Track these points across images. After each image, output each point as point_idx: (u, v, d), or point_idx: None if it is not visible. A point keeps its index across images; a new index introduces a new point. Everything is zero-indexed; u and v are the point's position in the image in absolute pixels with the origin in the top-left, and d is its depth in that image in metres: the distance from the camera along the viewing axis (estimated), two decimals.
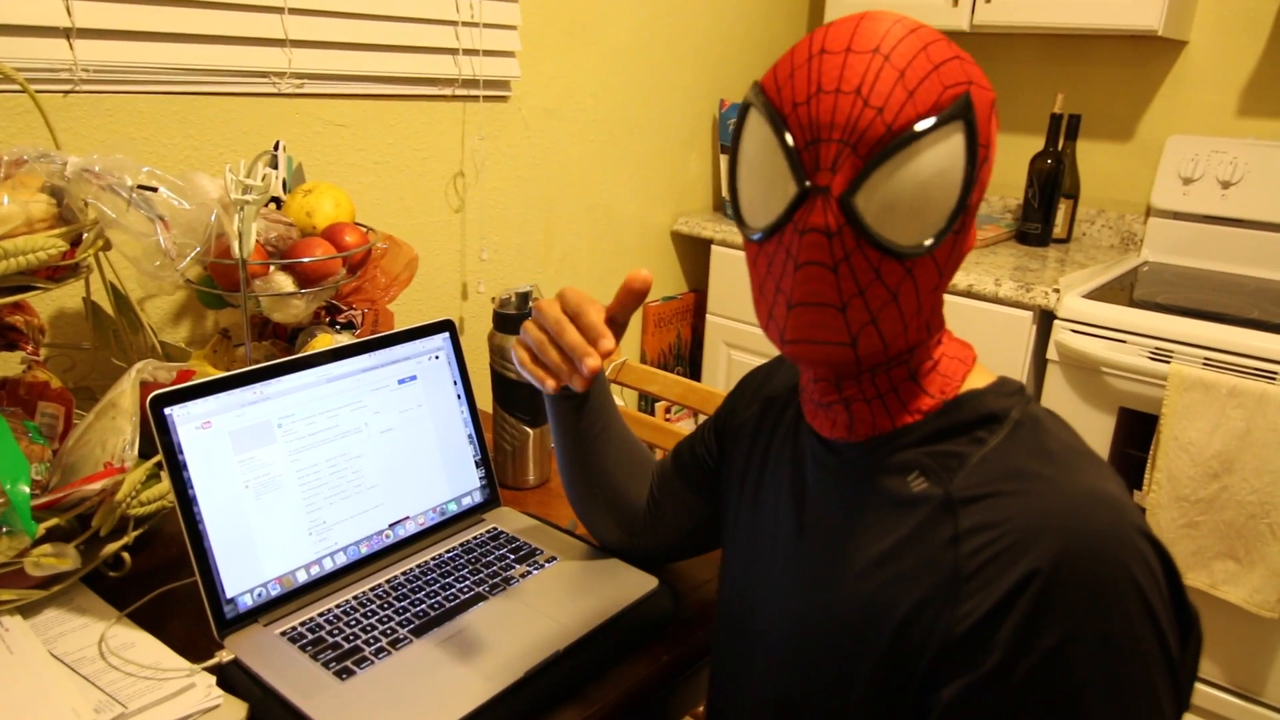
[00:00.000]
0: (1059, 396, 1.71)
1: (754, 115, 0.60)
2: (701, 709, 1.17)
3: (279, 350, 1.21)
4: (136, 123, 1.26)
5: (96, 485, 0.83)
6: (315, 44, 1.41)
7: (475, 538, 0.97)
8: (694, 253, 2.35)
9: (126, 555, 0.89)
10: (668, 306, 2.29)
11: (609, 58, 1.96)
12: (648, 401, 2.25)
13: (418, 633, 0.81)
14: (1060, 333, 1.67)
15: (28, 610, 0.83)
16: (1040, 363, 1.77)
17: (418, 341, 0.99)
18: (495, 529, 0.99)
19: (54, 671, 0.75)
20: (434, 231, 1.71)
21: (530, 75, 1.79)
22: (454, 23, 1.58)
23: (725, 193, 2.28)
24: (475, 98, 1.69)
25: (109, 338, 1.12)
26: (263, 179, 1.04)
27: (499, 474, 1.15)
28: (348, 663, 0.77)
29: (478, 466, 1.03)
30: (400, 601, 0.86)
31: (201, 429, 0.81)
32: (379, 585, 0.88)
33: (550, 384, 0.73)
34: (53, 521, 0.82)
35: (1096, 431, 1.67)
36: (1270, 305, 1.70)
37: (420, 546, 0.95)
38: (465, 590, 0.88)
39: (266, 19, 1.33)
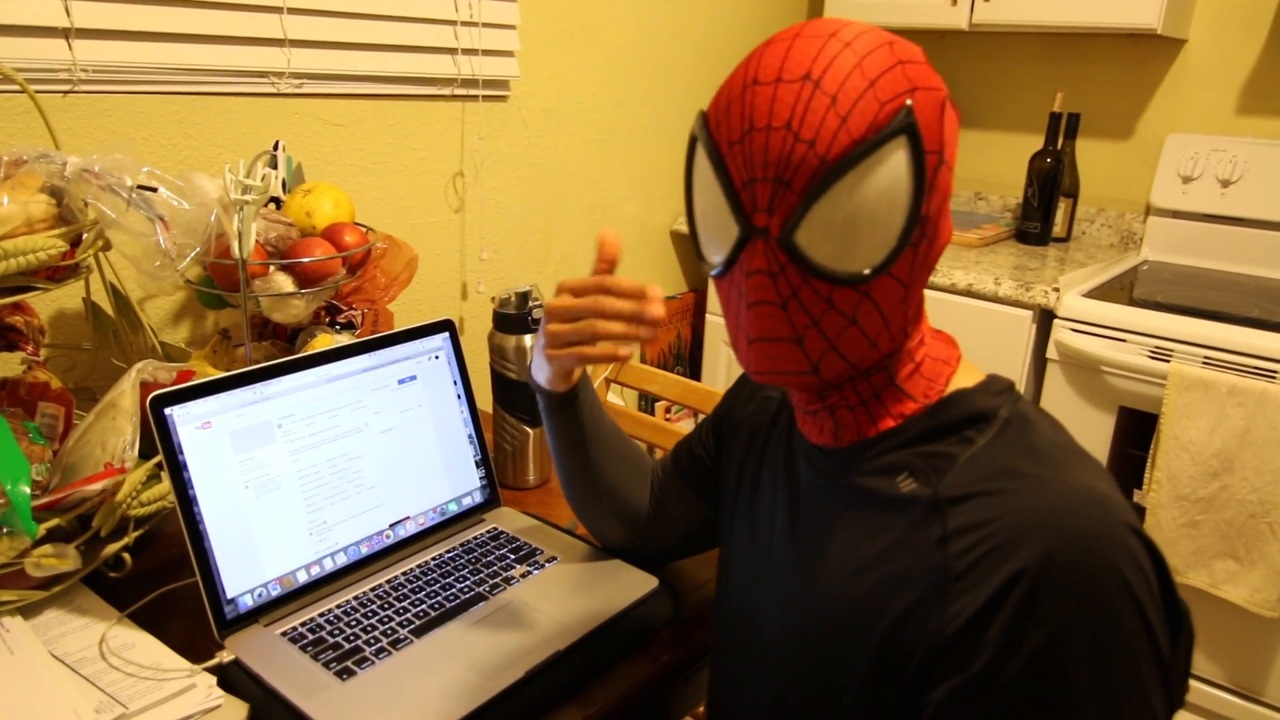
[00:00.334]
0: (1059, 396, 1.71)
1: (699, 150, 0.59)
2: (702, 709, 1.18)
3: (279, 350, 1.21)
4: (136, 123, 1.26)
5: (97, 486, 0.83)
6: (314, 44, 1.41)
7: (475, 538, 0.97)
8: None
9: (127, 556, 0.89)
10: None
11: (608, 57, 1.96)
12: (648, 401, 2.25)
13: (418, 633, 0.81)
14: (1060, 332, 1.67)
15: (28, 611, 0.83)
16: (1040, 362, 1.77)
17: (418, 341, 0.99)
18: (495, 529, 0.99)
19: (55, 672, 0.75)
20: (433, 231, 1.71)
21: (529, 75, 1.79)
22: (453, 22, 1.57)
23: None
24: (474, 97, 1.69)
25: (109, 338, 1.12)
26: (262, 179, 1.04)
27: (499, 474, 1.15)
28: (348, 663, 0.77)
29: (478, 466, 1.03)
30: (401, 602, 0.86)
31: (202, 429, 0.81)
32: (379, 585, 0.88)
33: (624, 351, 0.73)
34: (53, 522, 0.82)
35: (1096, 431, 1.67)
36: (1270, 304, 1.70)
37: (420, 546, 0.95)
38: (465, 590, 0.88)
39: (265, 19, 1.33)
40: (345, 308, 1.21)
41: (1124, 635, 0.52)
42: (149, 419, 0.79)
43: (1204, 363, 1.53)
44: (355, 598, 0.86)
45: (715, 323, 2.23)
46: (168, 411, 0.80)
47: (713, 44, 2.23)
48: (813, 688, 0.64)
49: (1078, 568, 0.52)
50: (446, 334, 1.01)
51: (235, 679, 0.76)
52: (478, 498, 1.02)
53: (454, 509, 1.00)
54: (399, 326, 1.02)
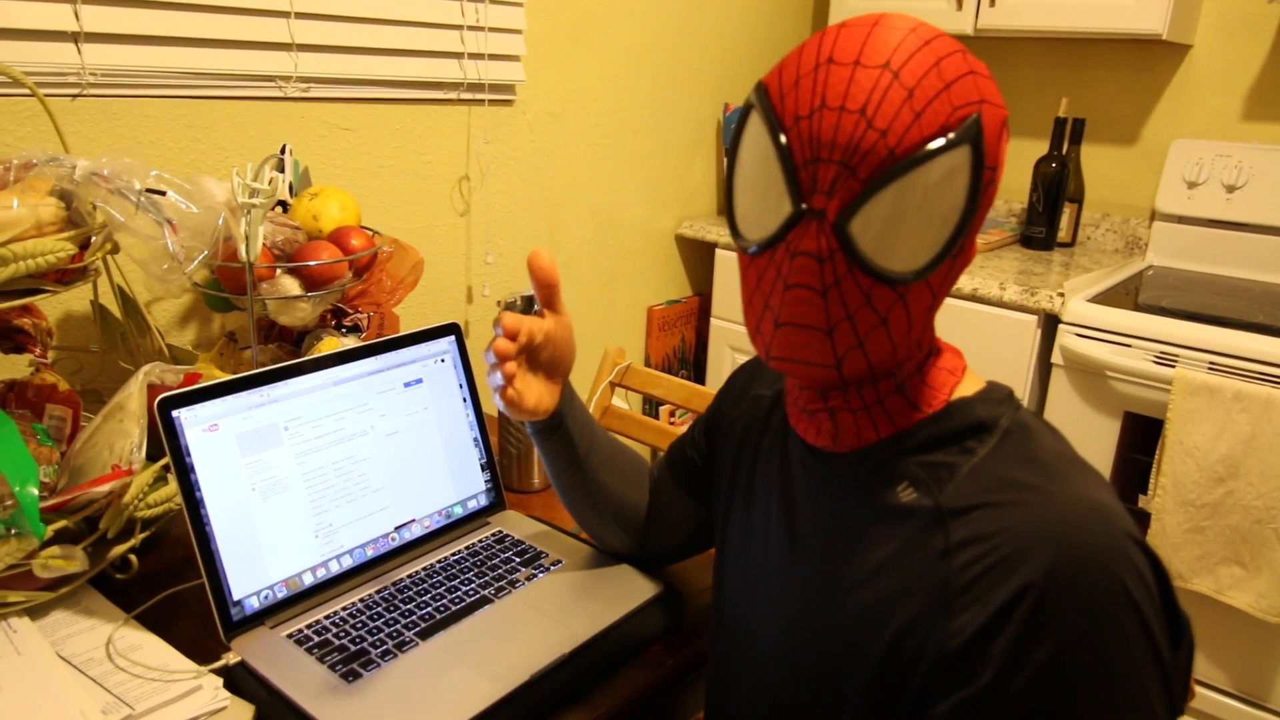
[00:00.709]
0: (1064, 401, 1.70)
1: (755, 121, 0.58)
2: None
3: (285, 353, 1.21)
4: (144, 126, 1.26)
5: (104, 487, 0.83)
6: (321, 48, 1.41)
7: (481, 541, 0.98)
8: (698, 257, 2.36)
9: (134, 557, 0.89)
10: (672, 310, 2.30)
11: (613, 62, 1.96)
12: (652, 405, 2.25)
13: (424, 635, 0.81)
14: (1065, 337, 1.67)
15: (36, 612, 0.84)
16: (1045, 367, 1.77)
17: (424, 345, 0.99)
18: (501, 532, 1.00)
19: (61, 673, 0.75)
20: (439, 235, 1.71)
21: (535, 79, 1.79)
22: (459, 27, 1.58)
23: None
24: (480, 102, 1.70)
25: (116, 340, 1.13)
26: (269, 182, 1.04)
27: (504, 477, 1.15)
28: (354, 665, 0.77)
29: (483, 470, 1.03)
30: (406, 604, 0.86)
31: (209, 431, 0.82)
32: (385, 588, 0.89)
33: (503, 402, 0.78)
34: (61, 523, 0.82)
35: (1101, 436, 1.67)
36: (1275, 309, 1.70)
37: (426, 549, 0.96)
38: (471, 593, 0.88)
39: (273, 23, 1.34)
40: (351, 310, 1.21)
41: (1128, 648, 0.52)
42: (156, 421, 0.79)
43: (1209, 368, 1.53)
44: (361, 600, 0.87)
45: (719, 326, 2.23)
46: (175, 414, 0.80)
47: (717, 48, 2.23)
48: (811, 696, 0.64)
49: (1082, 582, 0.52)
50: (452, 337, 1.01)
51: (241, 681, 0.76)
52: (483, 501, 1.03)
53: (459, 512, 1.00)
54: (405, 329, 1.03)
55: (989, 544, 0.55)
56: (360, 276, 1.20)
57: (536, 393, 0.80)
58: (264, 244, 1.10)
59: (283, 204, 1.22)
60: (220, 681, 0.76)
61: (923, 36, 0.54)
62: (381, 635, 0.81)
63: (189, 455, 0.80)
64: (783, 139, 0.55)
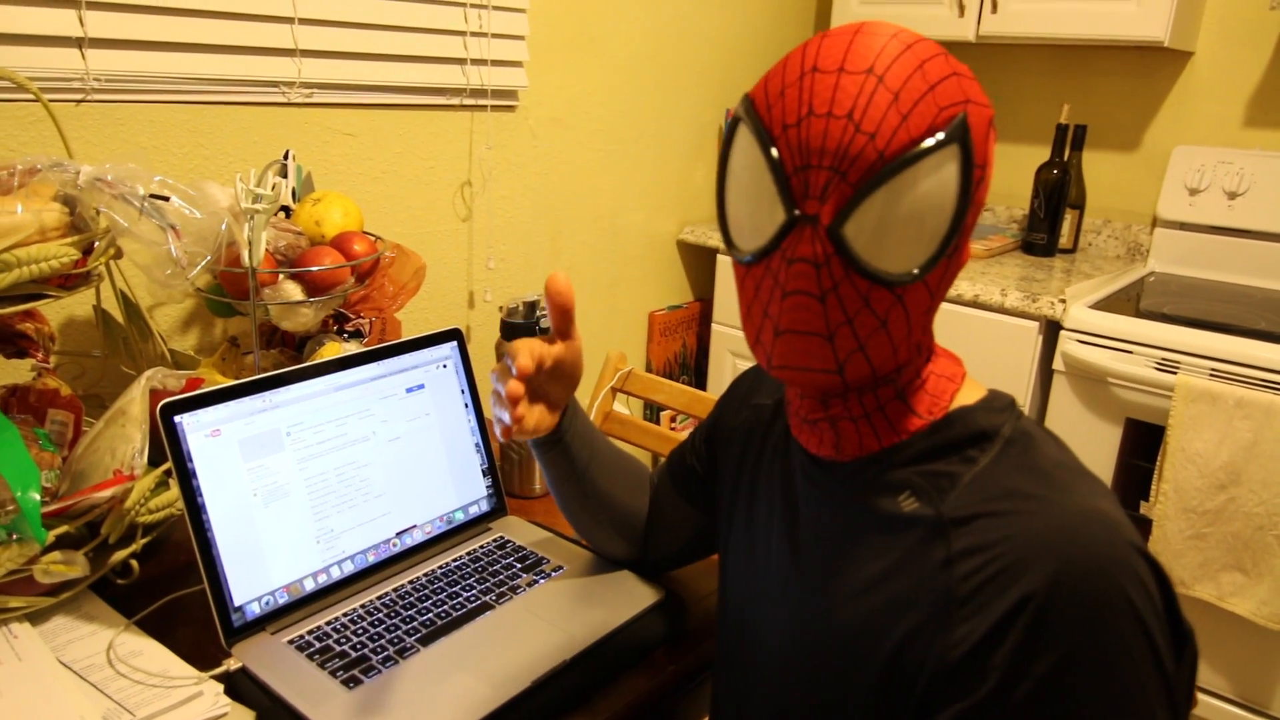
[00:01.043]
0: (1065, 407, 1.70)
1: (743, 132, 0.58)
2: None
3: (287, 358, 1.21)
4: (148, 132, 1.27)
5: (106, 493, 0.83)
6: (325, 54, 1.42)
7: (482, 547, 0.98)
8: (699, 262, 2.36)
9: (135, 563, 0.89)
10: (673, 315, 2.30)
11: (616, 68, 1.97)
12: (653, 410, 2.25)
13: (425, 642, 0.81)
14: (1066, 343, 1.67)
15: (36, 617, 0.84)
16: (1046, 373, 1.77)
17: (426, 350, 0.99)
18: (502, 538, 0.99)
19: (62, 679, 0.75)
20: (441, 240, 1.71)
21: (538, 85, 1.80)
22: (462, 33, 1.58)
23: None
24: (483, 107, 1.70)
25: (119, 345, 1.13)
26: (272, 188, 1.04)
27: (506, 483, 1.15)
28: (355, 671, 0.77)
29: (485, 475, 1.03)
30: (407, 610, 0.86)
31: (210, 437, 0.82)
32: (386, 594, 0.89)
33: (503, 436, 0.75)
34: (62, 529, 0.83)
35: (1103, 443, 1.67)
36: (1277, 316, 1.70)
37: (427, 555, 0.96)
38: (472, 599, 0.88)
39: (276, 29, 1.34)
40: (353, 316, 1.21)
41: (1131, 658, 0.52)
42: (158, 426, 0.79)
43: (1211, 375, 1.53)
44: (362, 606, 0.87)
45: (720, 332, 2.23)
46: (177, 419, 0.80)
47: (719, 54, 2.23)
48: (815, 704, 0.64)
49: (1085, 592, 0.52)
50: (454, 343, 1.02)
51: (242, 687, 0.76)
52: (484, 506, 1.03)
53: (461, 518, 1.00)
54: (407, 335, 1.03)
55: (990, 553, 0.55)
56: (363, 282, 1.20)
57: (537, 416, 0.80)
58: (267, 249, 1.10)
59: (286, 209, 1.23)
60: (221, 688, 0.76)
61: (905, 41, 0.55)
62: (383, 641, 0.81)
63: (191, 460, 0.80)
64: (772, 148, 0.55)
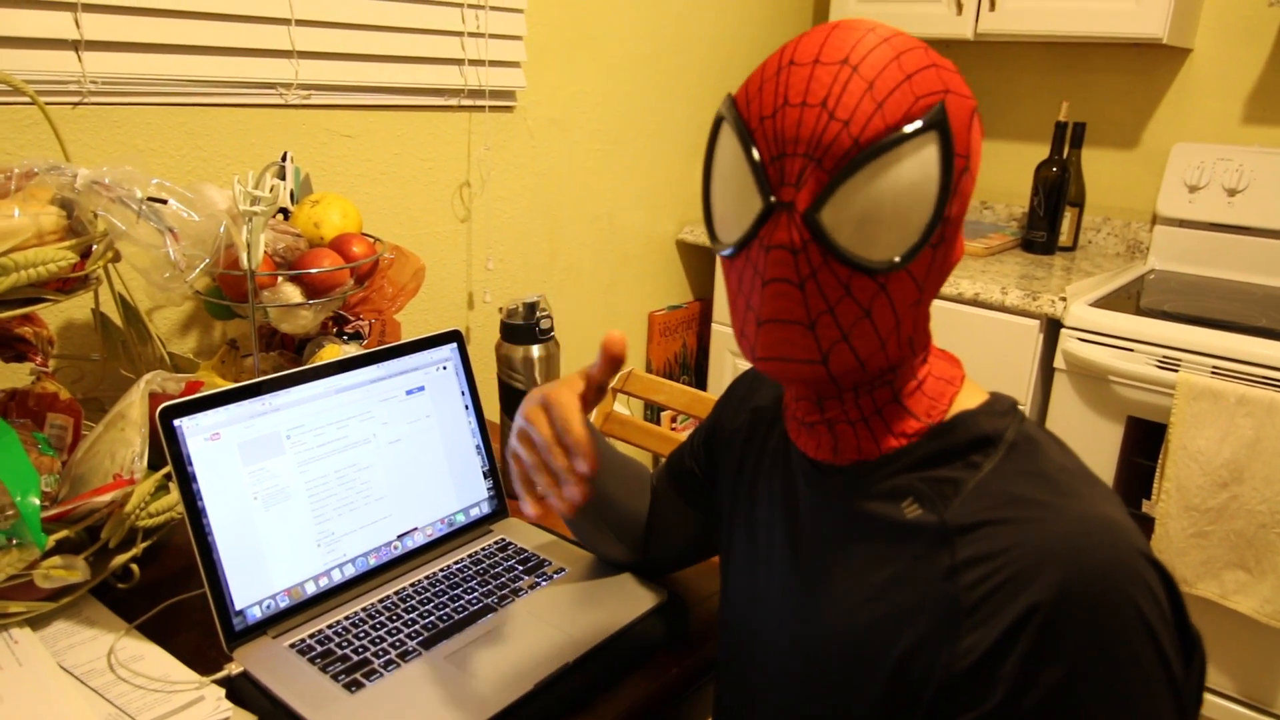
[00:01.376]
0: (1066, 406, 1.70)
1: (725, 129, 0.59)
2: None
3: (286, 361, 1.21)
4: (145, 134, 1.26)
5: (106, 497, 0.83)
6: (322, 55, 1.41)
7: (483, 549, 0.97)
8: (699, 262, 2.35)
9: (135, 567, 0.89)
10: (673, 316, 2.29)
11: (614, 68, 1.96)
12: (653, 411, 2.25)
13: (426, 645, 0.81)
14: (1067, 341, 1.67)
15: (37, 622, 0.83)
16: (1047, 371, 1.77)
17: (426, 352, 0.99)
18: (503, 540, 0.99)
19: (63, 684, 0.75)
20: (440, 241, 1.71)
21: (536, 85, 1.79)
22: (460, 34, 1.58)
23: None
24: (481, 108, 1.70)
25: (117, 349, 1.13)
26: (270, 190, 1.04)
27: (507, 485, 1.15)
28: (357, 675, 0.77)
29: (486, 477, 1.03)
30: (409, 613, 0.86)
31: (210, 440, 0.81)
32: (387, 597, 0.88)
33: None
34: (62, 533, 0.82)
35: (1104, 441, 1.67)
36: (1278, 313, 1.70)
37: (428, 558, 0.95)
38: (474, 602, 0.88)
39: (273, 30, 1.34)
40: (353, 318, 1.21)
41: (1140, 667, 0.51)
42: (158, 430, 0.79)
43: (1212, 372, 1.53)
44: (364, 609, 0.86)
45: (721, 332, 2.23)
46: (177, 423, 0.80)
47: (718, 55, 2.23)
48: (818, 711, 0.64)
49: (1093, 601, 0.51)
50: (454, 345, 1.01)
51: (244, 691, 0.76)
52: (485, 509, 1.02)
53: (462, 520, 1.00)
54: (406, 337, 1.03)
55: (996, 562, 0.54)
56: (362, 284, 1.19)
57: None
58: (265, 251, 1.10)
59: (284, 211, 1.22)
60: (222, 692, 0.75)
61: (881, 35, 0.55)
62: (384, 645, 0.81)
63: (191, 464, 0.80)
64: (749, 140, 0.56)
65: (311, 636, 0.82)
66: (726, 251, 0.59)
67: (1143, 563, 0.53)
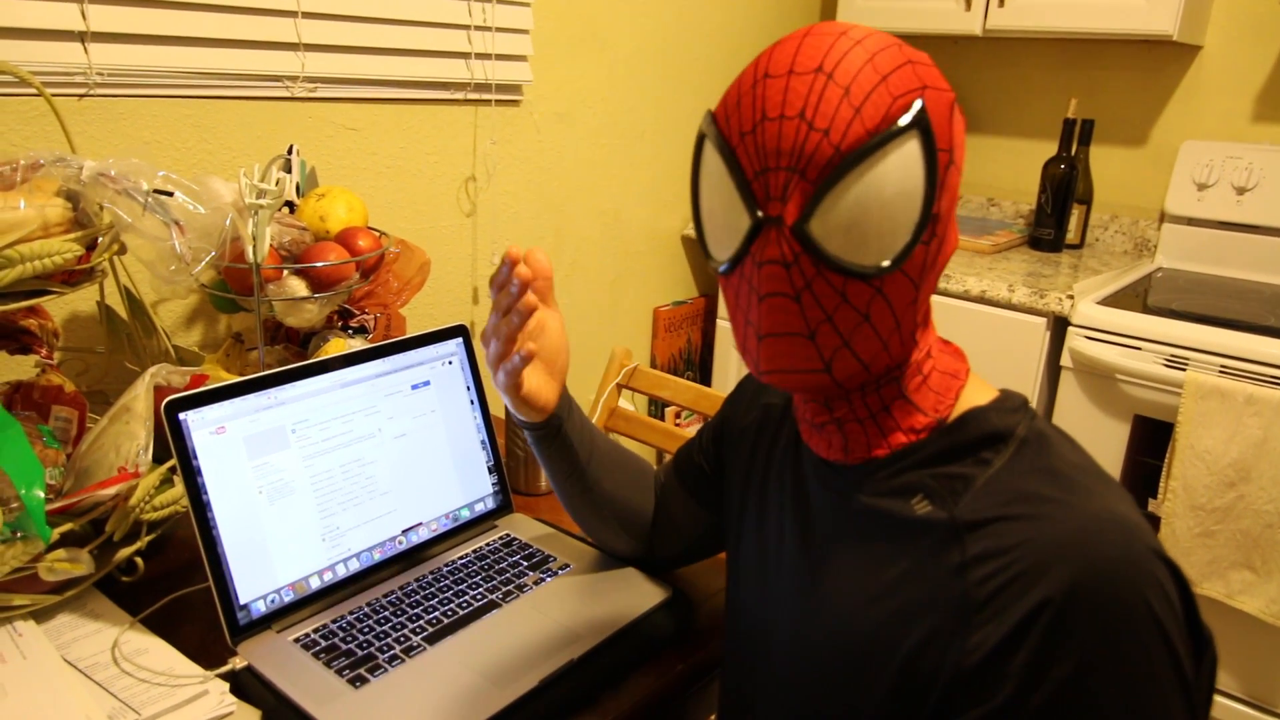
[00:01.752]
0: (1073, 404, 1.69)
1: (708, 146, 0.59)
2: (714, 718, 1.17)
3: (291, 354, 1.21)
4: (151, 126, 1.26)
5: (110, 490, 0.83)
6: (328, 48, 1.41)
7: (488, 544, 0.97)
8: (704, 258, 2.35)
9: (140, 560, 0.89)
10: (678, 311, 2.29)
11: (620, 62, 1.96)
12: (658, 407, 2.25)
13: (431, 640, 0.81)
14: (1074, 339, 1.66)
15: (41, 615, 0.83)
16: (1054, 370, 1.76)
17: (431, 347, 0.98)
18: (508, 535, 0.99)
19: (67, 677, 0.75)
20: (446, 235, 1.71)
21: (542, 80, 1.79)
22: (466, 27, 1.58)
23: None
24: (487, 102, 1.69)
25: (123, 341, 1.12)
26: (277, 183, 1.04)
27: (512, 480, 1.14)
28: (361, 670, 0.77)
29: (491, 472, 1.02)
30: (414, 608, 0.85)
31: (216, 434, 0.81)
32: (392, 592, 0.88)
33: (523, 349, 0.74)
34: (67, 526, 0.82)
35: (1111, 440, 1.66)
36: None
37: (433, 553, 0.95)
38: (479, 597, 0.87)
39: (280, 23, 1.33)
40: (358, 312, 1.21)
41: (1150, 665, 0.51)
42: (163, 423, 0.79)
43: (1220, 371, 1.52)
44: (368, 604, 0.86)
45: (725, 328, 2.23)
46: (182, 416, 0.79)
47: (723, 49, 2.22)
48: (827, 708, 0.63)
49: (1104, 597, 0.51)
50: (460, 339, 1.01)
51: (248, 685, 0.76)
52: (490, 504, 1.02)
53: (466, 515, 1.00)
54: (411, 331, 1.02)
55: (1006, 558, 0.54)
56: (367, 277, 1.19)
57: (538, 381, 0.80)
58: (271, 245, 1.10)
59: (290, 205, 1.22)
60: (226, 686, 0.75)
61: (854, 37, 0.55)
62: (389, 640, 0.81)
63: (196, 458, 0.80)
64: (732, 157, 0.56)
65: (316, 631, 0.82)
66: (722, 268, 0.60)
67: (1155, 560, 0.53)
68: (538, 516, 1.05)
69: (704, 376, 2.41)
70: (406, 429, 0.95)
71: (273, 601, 0.83)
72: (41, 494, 0.80)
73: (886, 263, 0.55)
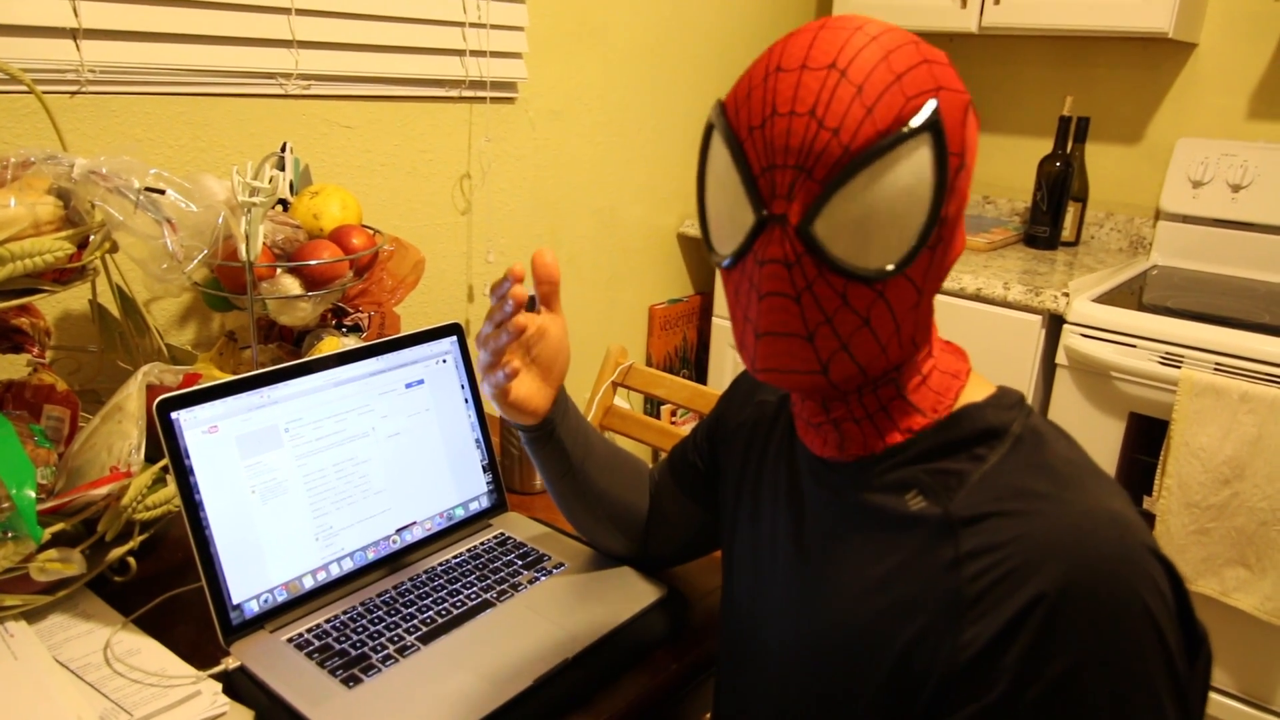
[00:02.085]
0: (1068, 401, 1.70)
1: (716, 138, 0.58)
2: (709, 717, 1.17)
3: (285, 353, 1.20)
4: (143, 124, 1.25)
5: (102, 490, 0.82)
6: (322, 45, 1.40)
7: (483, 543, 0.97)
8: (700, 255, 2.35)
9: (132, 560, 0.88)
10: (673, 309, 2.29)
11: (615, 59, 1.95)
12: (653, 405, 2.25)
13: (425, 640, 0.81)
14: (1070, 337, 1.66)
15: (33, 616, 0.83)
16: (1049, 367, 1.76)
17: (425, 345, 0.98)
18: (503, 534, 0.99)
19: (59, 678, 0.75)
20: (440, 233, 1.70)
21: (537, 77, 1.78)
22: (461, 24, 1.57)
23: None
24: (482, 99, 1.69)
25: (115, 340, 1.12)
26: (270, 181, 1.03)
27: (506, 479, 1.14)
28: (355, 670, 0.76)
29: (485, 471, 1.02)
30: (408, 608, 0.85)
31: (208, 433, 0.81)
32: (386, 591, 0.88)
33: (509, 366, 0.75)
34: (58, 526, 0.82)
35: (1106, 437, 1.66)
36: None
37: (427, 552, 0.95)
38: (473, 597, 0.87)
39: (273, 20, 1.33)
40: (352, 310, 1.20)
41: (1144, 661, 0.51)
42: (155, 422, 0.78)
43: (1215, 369, 1.52)
44: (362, 604, 0.86)
45: (721, 326, 2.23)
46: (174, 415, 0.79)
47: (720, 47, 2.22)
48: (819, 705, 0.63)
49: (1098, 594, 0.51)
50: (454, 338, 1.01)
51: (241, 686, 0.76)
52: (485, 503, 1.02)
53: (461, 514, 0.99)
54: (405, 329, 1.02)
55: (1000, 554, 0.54)
56: (361, 276, 1.19)
57: (528, 389, 0.79)
58: (264, 243, 1.09)
59: (283, 202, 1.21)
60: (219, 687, 0.75)
61: (870, 33, 0.54)
62: (382, 639, 0.81)
63: (188, 457, 0.79)
64: (739, 151, 0.55)
65: (309, 631, 0.82)
66: (725, 263, 0.59)
67: (1149, 557, 0.53)
68: (532, 515, 1.04)
69: (700, 375, 2.41)
70: (400, 428, 0.94)
71: (266, 601, 0.83)
72: (33, 494, 0.79)
73: (890, 267, 0.54)
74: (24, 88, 1.10)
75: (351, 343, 1.15)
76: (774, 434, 0.74)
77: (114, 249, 0.97)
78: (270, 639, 0.81)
